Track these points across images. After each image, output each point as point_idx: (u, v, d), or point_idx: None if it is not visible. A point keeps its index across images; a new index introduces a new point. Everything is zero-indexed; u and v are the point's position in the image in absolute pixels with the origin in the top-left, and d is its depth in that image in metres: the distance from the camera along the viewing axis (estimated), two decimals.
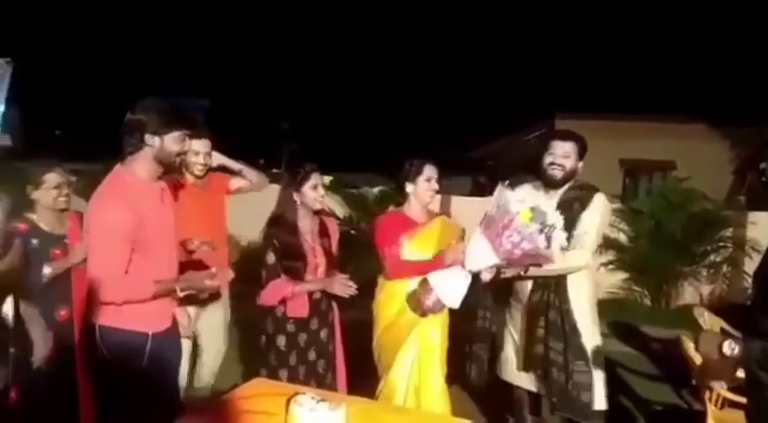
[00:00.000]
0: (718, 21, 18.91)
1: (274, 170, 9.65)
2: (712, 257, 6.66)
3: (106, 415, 2.19)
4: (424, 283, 2.65)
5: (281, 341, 2.81)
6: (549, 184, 2.78)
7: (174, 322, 2.33)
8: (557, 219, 2.50)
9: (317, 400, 1.92)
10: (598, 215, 2.73)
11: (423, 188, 2.87)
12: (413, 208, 2.91)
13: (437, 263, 2.71)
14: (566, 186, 2.78)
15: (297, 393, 2.00)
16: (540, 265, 2.57)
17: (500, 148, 15.84)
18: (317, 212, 2.89)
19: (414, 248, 2.81)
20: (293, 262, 2.79)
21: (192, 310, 2.85)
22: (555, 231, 2.47)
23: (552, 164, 2.76)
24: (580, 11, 23.11)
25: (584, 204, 2.72)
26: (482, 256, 2.55)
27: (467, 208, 5.52)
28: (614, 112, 11.44)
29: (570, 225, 2.62)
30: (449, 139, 19.11)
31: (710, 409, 2.77)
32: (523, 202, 2.49)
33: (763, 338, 1.74)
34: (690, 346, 2.93)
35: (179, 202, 2.58)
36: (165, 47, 25.98)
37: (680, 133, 12.52)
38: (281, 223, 2.82)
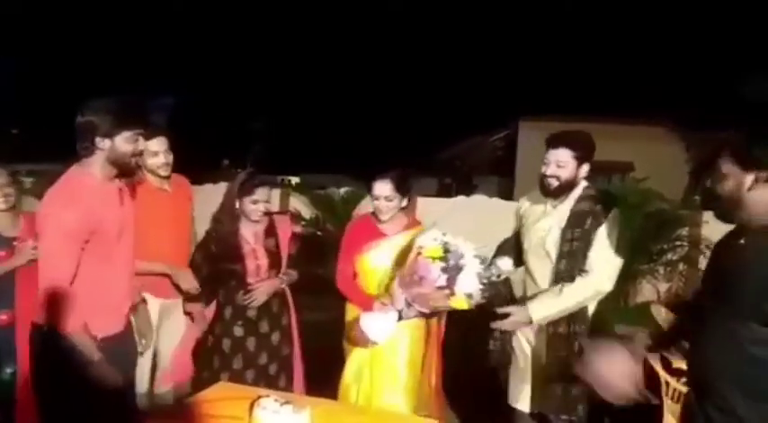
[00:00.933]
0: (676, 24, 19.48)
1: (238, 170, 9.50)
2: (669, 256, 6.86)
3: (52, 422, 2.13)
4: (356, 320, 2.60)
5: (227, 344, 2.79)
6: (547, 195, 2.53)
7: (128, 326, 2.28)
8: (472, 263, 2.33)
9: (280, 403, 1.92)
10: (612, 232, 2.43)
11: (375, 203, 2.72)
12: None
13: (371, 299, 2.64)
14: (574, 195, 2.50)
15: (260, 397, 1.99)
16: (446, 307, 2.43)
17: (466, 149, 16.00)
18: (267, 214, 2.87)
19: (372, 260, 2.73)
20: (231, 264, 2.78)
21: (153, 314, 2.79)
22: (462, 274, 2.31)
23: (544, 175, 2.49)
24: (541, 14, 23.52)
25: (598, 220, 2.42)
26: (399, 294, 2.47)
27: (433, 209, 5.55)
28: (576, 115, 11.65)
29: (585, 243, 2.42)
30: (416, 140, 19.20)
31: (667, 402, 2.86)
32: (436, 240, 2.35)
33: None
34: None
35: (143, 205, 2.51)
36: (132, 42, 25.36)
37: (638, 135, 12.87)
38: (220, 226, 2.80)
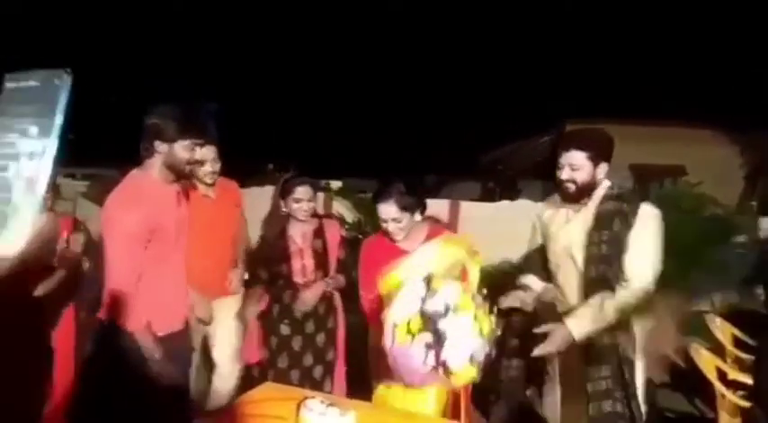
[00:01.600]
0: (728, 25, 18.79)
1: (282, 174, 9.65)
2: (724, 263, 6.60)
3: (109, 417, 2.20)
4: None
5: (273, 342, 2.84)
6: (567, 200, 2.40)
7: (186, 325, 2.35)
8: (461, 323, 1.81)
9: (326, 405, 1.93)
10: (649, 232, 2.24)
11: (384, 226, 2.47)
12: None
13: None
14: (597, 196, 2.35)
15: (306, 398, 2.01)
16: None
17: (510, 152, 15.80)
18: (316, 215, 2.92)
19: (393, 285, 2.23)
20: (278, 263, 2.85)
21: (204, 314, 2.86)
22: (452, 339, 1.79)
23: (561, 180, 2.36)
24: (590, 15, 23.03)
25: (628, 221, 2.25)
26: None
27: (476, 214, 5.49)
28: (624, 117, 11.34)
29: (617, 247, 2.24)
30: (458, 143, 19.07)
31: (722, 416, 2.75)
32: (411, 305, 1.84)
33: None
34: (703, 353, 2.90)
35: (190, 212, 2.58)
36: (177, 49, 26.10)
37: (690, 138, 12.44)
38: (269, 226, 2.90)
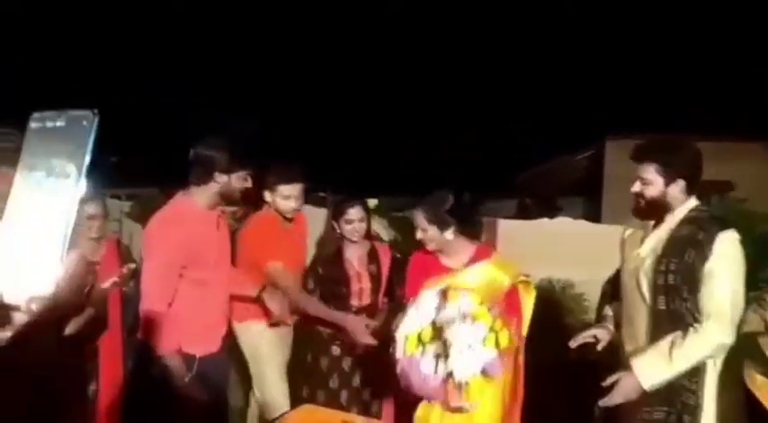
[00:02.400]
0: None
1: (320, 194, 9.78)
2: None
3: None
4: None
5: (324, 363, 2.83)
6: (638, 217, 2.20)
7: (223, 346, 2.37)
8: (470, 332, 1.73)
9: None
10: (727, 266, 1.98)
11: (417, 235, 2.45)
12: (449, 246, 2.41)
13: None
14: (676, 218, 2.10)
15: (345, 421, 1.99)
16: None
17: (549, 168, 15.59)
18: (368, 238, 2.92)
19: None
20: (336, 286, 2.85)
21: (261, 338, 2.87)
22: (457, 358, 1.68)
23: (632, 193, 2.16)
24: (632, 29, 22.70)
25: (703, 251, 1.98)
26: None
27: (514, 232, 5.43)
28: (668, 132, 11.10)
29: (689, 281, 2.00)
30: (494, 159, 18.94)
31: None
32: (420, 318, 1.78)
33: None
34: (758, 379, 2.76)
35: (265, 238, 2.71)
36: (216, 72, 26.81)
37: (736, 152, 12.04)
38: (324, 250, 2.91)
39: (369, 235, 2.96)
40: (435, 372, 1.72)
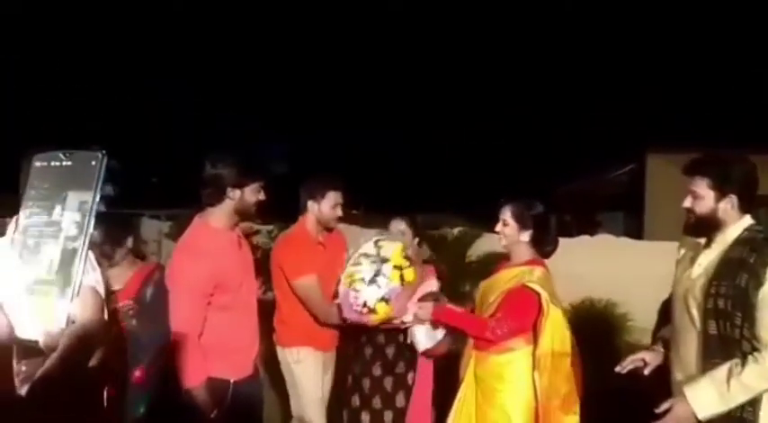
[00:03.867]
0: None
1: (353, 211, 9.78)
2: None
3: None
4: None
5: (366, 384, 2.85)
6: (687, 233, 2.13)
7: (256, 370, 2.33)
8: (367, 270, 2.23)
9: None
10: None
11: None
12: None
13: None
14: (729, 237, 1.99)
15: None
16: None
17: (588, 183, 15.30)
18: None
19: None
20: None
21: (317, 367, 2.85)
22: (365, 287, 2.22)
23: (684, 208, 2.08)
24: (675, 46, 22.27)
25: (757, 276, 1.86)
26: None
27: None
28: (713, 146, 10.82)
29: (741, 305, 1.88)
30: (532, 174, 18.70)
31: None
32: (357, 256, 2.29)
33: None
34: None
35: (297, 252, 2.71)
36: (247, 91, 27.35)
37: None
38: None
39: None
40: (353, 303, 2.23)
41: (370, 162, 22.83)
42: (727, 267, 1.95)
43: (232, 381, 2.16)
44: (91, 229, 0.54)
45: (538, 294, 2.34)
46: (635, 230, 11.24)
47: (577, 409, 2.38)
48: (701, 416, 1.93)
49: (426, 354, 2.73)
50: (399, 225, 2.91)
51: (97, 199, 0.55)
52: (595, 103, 23.23)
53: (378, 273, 2.23)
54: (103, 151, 0.56)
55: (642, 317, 6.55)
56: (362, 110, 27.50)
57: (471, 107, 26.74)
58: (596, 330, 6.93)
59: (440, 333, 2.61)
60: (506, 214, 2.52)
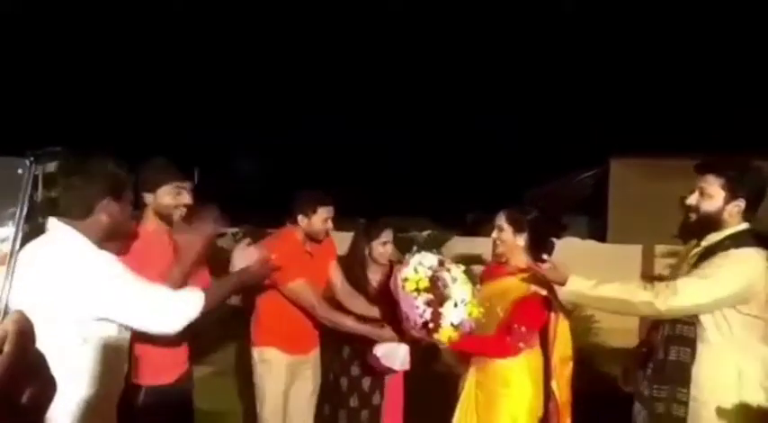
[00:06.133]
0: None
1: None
2: None
3: None
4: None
5: (344, 383, 2.94)
6: (681, 236, 2.18)
7: (181, 379, 2.26)
8: (461, 293, 2.21)
9: None
10: (724, 267, 1.94)
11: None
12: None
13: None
14: (718, 235, 2.02)
15: None
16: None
17: (553, 188, 15.55)
18: (385, 265, 3.01)
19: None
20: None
21: (281, 372, 2.84)
22: (448, 304, 2.19)
23: (685, 207, 2.09)
24: (638, 50, 22.82)
25: (717, 254, 1.97)
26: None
27: None
28: (674, 152, 11.10)
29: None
30: (498, 179, 18.92)
31: None
32: (422, 267, 2.25)
33: None
34: None
35: (288, 256, 2.66)
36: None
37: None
38: (350, 273, 2.97)
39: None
40: (422, 314, 2.20)
41: (337, 165, 22.75)
42: (706, 255, 2.01)
43: (144, 386, 2.13)
44: (18, 243, 0.50)
45: (548, 300, 2.38)
46: (599, 233, 11.47)
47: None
48: (569, 284, 2.10)
49: (390, 372, 2.74)
50: (389, 236, 2.99)
51: (25, 208, 0.51)
52: (561, 110, 23.68)
53: (462, 300, 2.26)
54: (32, 158, 0.52)
55: (606, 319, 6.69)
56: (331, 112, 27.45)
57: (437, 111, 26.94)
58: None
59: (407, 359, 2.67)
60: (501, 220, 2.56)
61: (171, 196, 2.21)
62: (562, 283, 2.17)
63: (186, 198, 2.25)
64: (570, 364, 2.40)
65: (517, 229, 2.52)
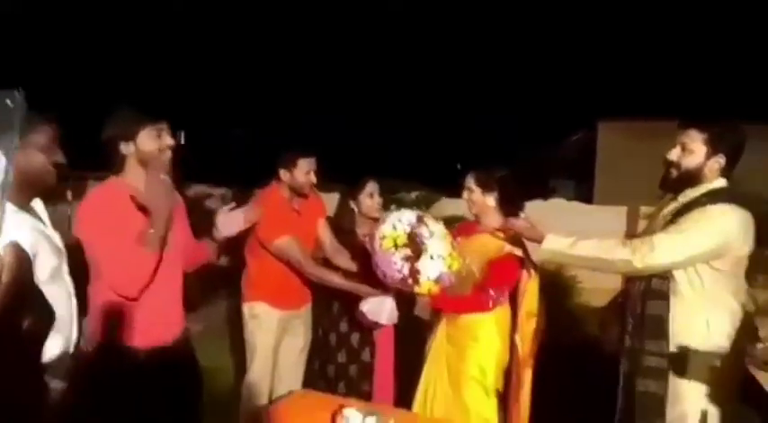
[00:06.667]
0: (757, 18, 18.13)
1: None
2: None
3: None
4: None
5: (333, 339, 2.93)
6: (664, 188, 2.13)
7: (182, 338, 2.16)
8: (438, 247, 2.19)
9: (364, 414, 1.87)
10: (702, 224, 1.94)
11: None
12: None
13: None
14: (695, 191, 2.03)
15: (342, 406, 1.95)
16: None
17: (541, 150, 15.58)
18: (376, 219, 2.95)
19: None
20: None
21: (271, 327, 2.84)
22: (425, 258, 2.17)
23: (665, 162, 2.08)
24: (626, 11, 22.54)
25: (694, 209, 1.98)
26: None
27: None
28: (660, 115, 11.10)
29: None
30: (486, 142, 18.90)
31: None
32: (401, 223, 2.24)
33: None
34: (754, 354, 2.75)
35: (272, 213, 2.67)
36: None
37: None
38: (338, 230, 2.93)
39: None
40: (401, 270, 2.18)
41: (324, 127, 22.47)
42: (687, 207, 2.01)
43: (134, 347, 1.99)
44: (11, 173, 0.51)
45: (522, 259, 2.44)
46: (586, 196, 11.57)
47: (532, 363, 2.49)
48: (543, 245, 2.16)
49: (377, 327, 2.76)
50: (376, 187, 2.96)
51: (17, 138, 0.51)
52: (550, 73, 23.48)
53: (438, 255, 2.22)
54: (19, 88, 0.52)
55: (589, 279, 6.80)
56: (319, 75, 27.00)
57: (425, 72, 26.61)
58: (547, 293, 7.17)
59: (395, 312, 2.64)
60: (470, 181, 2.59)
61: (153, 140, 2.01)
62: (539, 241, 2.20)
63: (169, 139, 2.04)
64: (535, 320, 2.46)
65: (486, 189, 2.56)
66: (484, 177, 2.57)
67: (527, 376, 2.43)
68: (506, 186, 2.57)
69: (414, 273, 2.17)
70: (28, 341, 0.49)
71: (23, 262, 0.52)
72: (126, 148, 2.00)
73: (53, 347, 1.58)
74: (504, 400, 2.47)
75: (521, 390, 2.41)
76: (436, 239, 2.21)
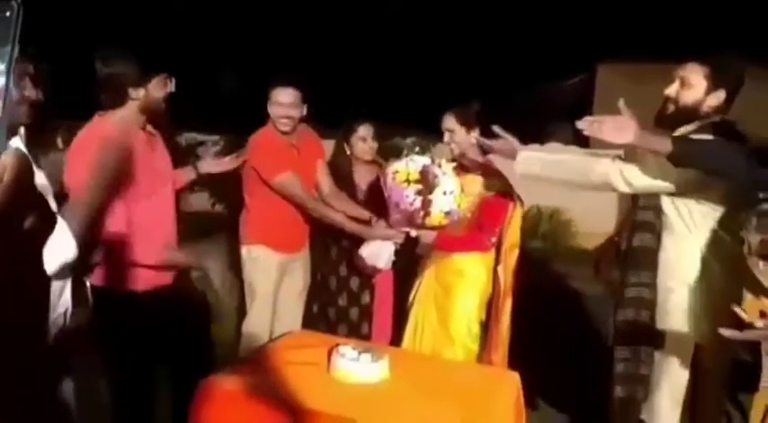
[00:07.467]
0: None
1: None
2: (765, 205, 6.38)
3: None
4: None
5: (333, 282, 3.00)
6: (659, 124, 2.04)
7: (178, 278, 2.21)
8: (450, 184, 2.28)
9: (359, 352, 1.92)
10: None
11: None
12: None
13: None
14: (690, 127, 1.97)
15: (338, 344, 2.00)
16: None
17: (538, 93, 15.38)
18: (372, 163, 2.95)
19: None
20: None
21: (271, 270, 2.86)
22: (438, 192, 2.26)
23: (664, 97, 2.01)
24: None
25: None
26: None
27: None
28: (661, 57, 10.90)
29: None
30: (483, 85, 18.61)
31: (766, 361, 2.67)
32: (413, 162, 2.31)
33: None
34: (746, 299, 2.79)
35: (268, 155, 2.68)
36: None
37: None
38: (337, 175, 2.95)
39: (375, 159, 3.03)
40: (413, 203, 2.29)
41: (318, 69, 22.02)
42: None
43: (134, 291, 2.05)
44: (11, 81, 0.51)
45: (509, 195, 2.49)
46: (584, 140, 11.48)
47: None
48: (519, 158, 2.14)
49: (375, 271, 2.80)
50: (369, 130, 2.94)
51: (16, 50, 0.51)
52: (548, 14, 22.88)
53: (450, 191, 2.31)
54: (18, 0, 0.52)
55: (584, 222, 6.87)
56: (311, 16, 26.25)
57: (419, 15, 25.90)
58: (543, 237, 7.25)
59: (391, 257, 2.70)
60: (451, 122, 2.58)
61: (161, 88, 2.01)
62: (513, 156, 2.17)
63: (171, 87, 2.06)
64: (516, 252, 2.52)
65: (469, 127, 2.55)
66: (465, 115, 2.57)
67: (507, 306, 2.51)
68: (487, 120, 2.51)
69: (426, 205, 2.27)
70: (29, 241, 0.53)
71: (25, 163, 0.53)
72: (135, 93, 1.99)
73: (55, 251, 1.58)
74: (486, 329, 2.56)
75: (501, 318, 2.49)
76: (449, 177, 2.30)
